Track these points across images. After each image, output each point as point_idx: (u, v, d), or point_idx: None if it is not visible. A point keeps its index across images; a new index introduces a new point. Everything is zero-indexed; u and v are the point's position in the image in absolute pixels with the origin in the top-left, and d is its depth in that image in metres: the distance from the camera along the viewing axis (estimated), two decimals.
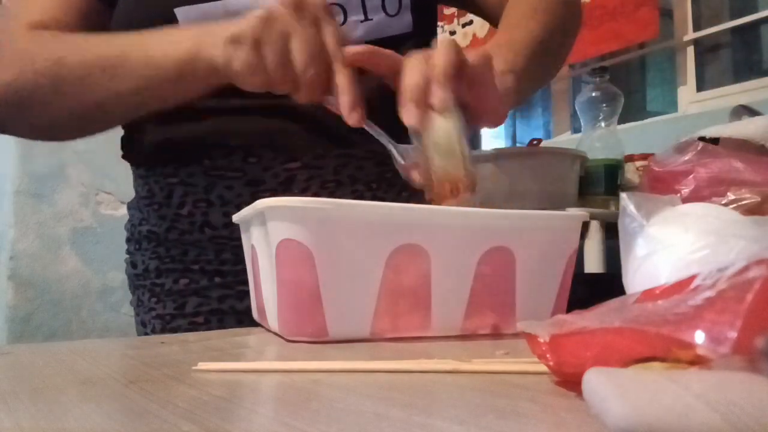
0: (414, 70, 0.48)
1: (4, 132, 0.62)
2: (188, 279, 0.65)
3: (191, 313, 0.64)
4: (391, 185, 0.66)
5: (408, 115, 0.47)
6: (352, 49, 0.49)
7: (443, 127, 0.48)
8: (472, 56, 0.50)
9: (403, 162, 0.52)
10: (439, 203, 0.49)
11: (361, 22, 0.61)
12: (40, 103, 0.57)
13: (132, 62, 0.54)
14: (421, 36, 0.65)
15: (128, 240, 0.71)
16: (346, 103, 0.49)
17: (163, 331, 0.65)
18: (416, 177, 0.50)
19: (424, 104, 0.47)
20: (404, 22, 0.63)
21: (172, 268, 0.65)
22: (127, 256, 0.71)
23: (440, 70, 0.47)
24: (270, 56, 0.48)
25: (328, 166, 0.62)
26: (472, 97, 0.51)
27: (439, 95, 0.47)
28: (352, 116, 0.49)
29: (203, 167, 0.62)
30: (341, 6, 0.60)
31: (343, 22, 0.60)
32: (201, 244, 0.64)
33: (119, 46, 0.55)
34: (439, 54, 0.48)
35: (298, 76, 0.48)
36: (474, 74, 0.50)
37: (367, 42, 0.61)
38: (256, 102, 0.59)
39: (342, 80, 0.49)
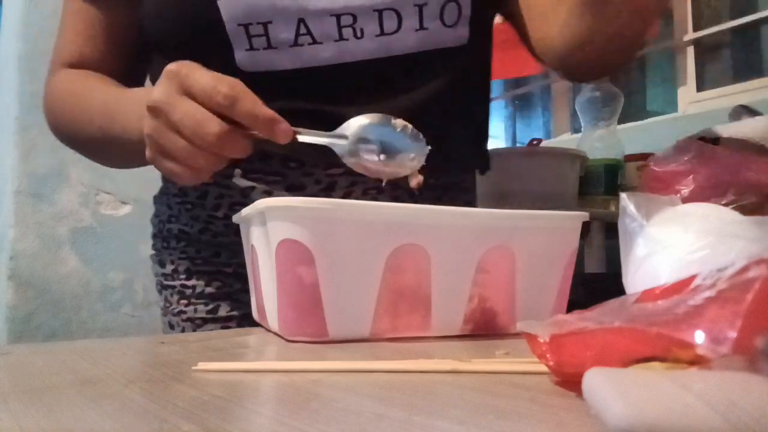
0: None
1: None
2: (221, 282, 0.63)
3: (224, 317, 0.63)
4: (432, 189, 0.63)
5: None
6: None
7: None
8: None
9: (349, 158, 0.50)
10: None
11: (416, 30, 0.57)
12: (69, 141, 0.64)
13: (110, 137, 0.57)
14: (476, 51, 0.62)
15: (154, 236, 0.69)
16: (264, 122, 0.45)
17: None
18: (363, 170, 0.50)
19: None
20: (460, 34, 0.59)
21: (204, 270, 0.64)
22: (153, 252, 0.69)
23: None
24: (177, 151, 0.45)
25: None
26: None
27: None
28: (279, 130, 0.45)
29: (240, 170, 0.60)
30: (395, 11, 0.56)
31: (397, 29, 0.57)
32: (235, 247, 0.62)
33: (107, 116, 0.57)
34: None
35: (204, 147, 0.45)
36: None
37: (418, 53, 0.58)
38: (298, 106, 0.57)
39: (245, 107, 0.44)
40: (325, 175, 0.59)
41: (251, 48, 0.56)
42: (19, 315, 1.86)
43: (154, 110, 0.45)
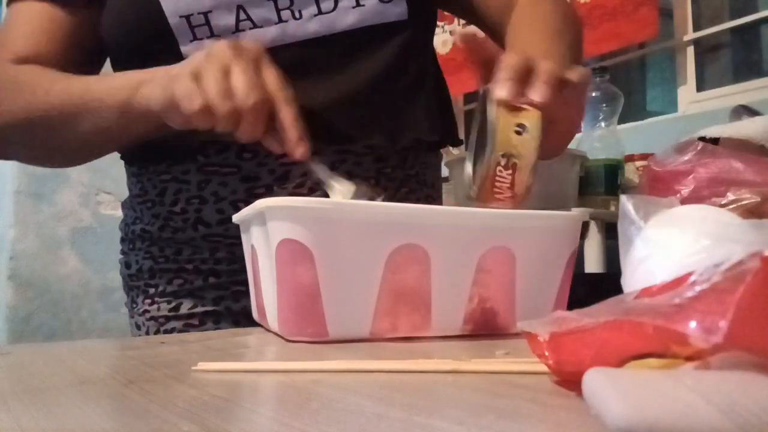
0: (520, 57, 0.48)
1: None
2: (182, 279, 0.64)
3: (186, 314, 0.64)
4: (390, 180, 0.66)
5: (502, 90, 0.47)
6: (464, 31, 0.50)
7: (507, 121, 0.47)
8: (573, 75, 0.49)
9: (339, 197, 0.53)
10: (484, 203, 0.49)
11: (353, 7, 0.59)
12: (16, 139, 0.61)
13: (85, 108, 0.56)
14: (417, 25, 0.64)
15: (122, 240, 0.71)
16: (293, 137, 0.51)
17: (157, 333, 0.64)
18: None
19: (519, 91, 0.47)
20: (399, 9, 0.61)
21: (166, 268, 0.65)
22: (122, 256, 0.71)
23: (548, 69, 0.47)
24: (210, 85, 0.49)
25: (324, 161, 0.62)
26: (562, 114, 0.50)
27: (542, 89, 0.46)
28: (298, 149, 0.51)
29: (197, 164, 0.61)
30: None
31: (334, 8, 0.59)
32: (195, 242, 0.63)
33: (77, 92, 0.57)
34: (548, 63, 0.48)
35: (239, 105, 0.49)
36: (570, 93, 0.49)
37: (360, 29, 0.60)
38: None
39: (287, 115, 0.50)
40: (278, 165, 0.61)
41: (195, 38, 0.58)
42: (19, 315, 1.86)
43: (212, 57, 0.49)
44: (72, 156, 0.65)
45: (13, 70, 0.61)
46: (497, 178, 0.47)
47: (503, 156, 0.47)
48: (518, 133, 0.47)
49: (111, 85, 0.56)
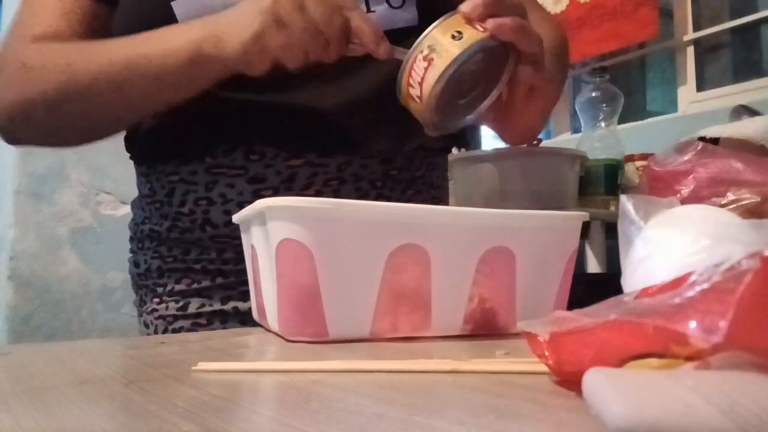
0: None
1: (16, 144, 0.66)
2: (190, 279, 0.65)
3: (194, 314, 0.64)
4: (397, 182, 0.66)
5: (468, 6, 0.50)
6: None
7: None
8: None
9: None
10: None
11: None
12: (48, 113, 0.59)
13: (136, 71, 0.55)
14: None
15: (131, 239, 0.71)
16: (371, 38, 0.51)
17: (165, 332, 0.65)
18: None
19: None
20: (409, 15, 0.62)
21: (174, 267, 0.65)
22: (131, 255, 0.71)
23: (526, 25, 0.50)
24: (295, 27, 0.49)
25: (331, 163, 0.62)
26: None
27: (504, 23, 0.49)
28: (381, 47, 0.52)
29: (205, 165, 0.62)
30: None
31: None
32: (202, 243, 0.64)
33: (124, 54, 0.56)
34: None
35: (324, 32, 0.50)
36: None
37: None
38: (259, 99, 0.60)
39: (359, 21, 0.51)
40: (285, 167, 0.61)
41: None
42: (19, 315, 1.86)
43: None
44: (102, 127, 0.63)
45: (38, 46, 0.60)
46: (414, 67, 0.50)
47: (428, 47, 0.49)
48: (453, 37, 0.49)
49: (166, 43, 0.54)
